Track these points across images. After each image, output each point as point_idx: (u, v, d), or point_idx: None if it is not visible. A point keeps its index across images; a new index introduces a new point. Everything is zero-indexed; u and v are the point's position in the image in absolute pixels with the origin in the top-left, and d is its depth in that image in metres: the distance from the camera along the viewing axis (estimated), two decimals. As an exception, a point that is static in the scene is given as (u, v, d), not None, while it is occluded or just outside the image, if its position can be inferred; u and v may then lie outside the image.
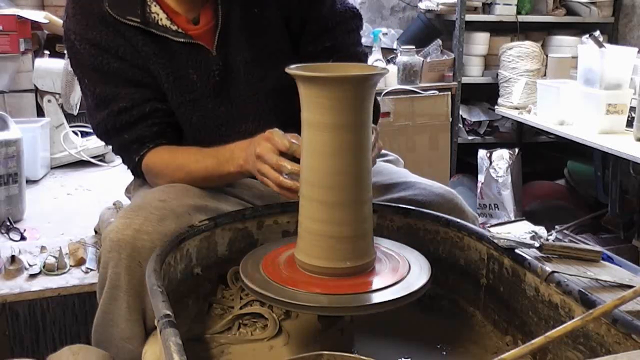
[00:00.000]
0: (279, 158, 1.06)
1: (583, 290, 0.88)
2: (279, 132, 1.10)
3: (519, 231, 2.66)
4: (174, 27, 1.29)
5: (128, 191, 1.55)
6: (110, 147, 1.41)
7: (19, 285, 1.66)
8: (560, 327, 0.69)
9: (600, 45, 3.04)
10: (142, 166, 1.34)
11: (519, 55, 3.75)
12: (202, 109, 1.34)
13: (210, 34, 1.32)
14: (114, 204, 1.77)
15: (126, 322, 1.11)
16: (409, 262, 1.02)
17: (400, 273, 0.99)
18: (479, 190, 3.61)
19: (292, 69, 0.96)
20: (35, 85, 2.77)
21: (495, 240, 1.04)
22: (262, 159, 1.09)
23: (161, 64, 1.30)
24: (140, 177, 1.39)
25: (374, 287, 0.95)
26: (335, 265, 0.97)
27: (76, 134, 2.87)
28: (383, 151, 1.53)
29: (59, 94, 2.71)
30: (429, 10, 3.96)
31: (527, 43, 3.79)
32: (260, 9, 1.33)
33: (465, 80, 3.93)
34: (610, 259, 2.85)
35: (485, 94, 4.08)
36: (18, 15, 2.79)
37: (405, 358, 1.00)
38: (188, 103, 1.33)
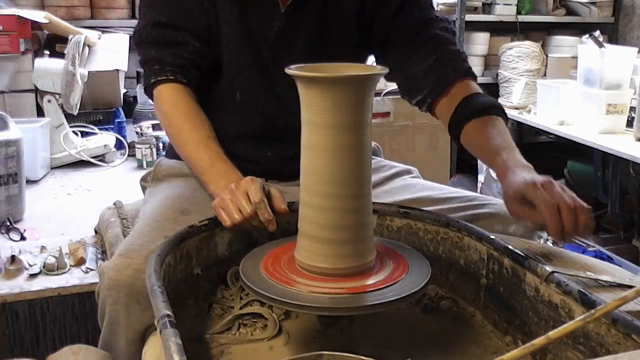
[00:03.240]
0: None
1: (583, 290, 0.88)
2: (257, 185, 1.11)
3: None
4: None
5: (144, 180, 1.55)
6: (138, 56, 1.43)
7: (19, 285, 1.66)
8: (561, 327, 0.69)
9: (600, 45, 3.04)
10: (154, 92, 1.35)
11: (519, 55, 3.76)
12: (249, 55, 1.35)
13: None
14: (114, 204, 1.77)
15: (124, 355, 1.12)
16: (408, 263, 1.02)
17: (400, 273, 0.99)
18: (479, 190, 3.61)
19: (292, 70, 0.96)
20: (35, 85, 2.77)
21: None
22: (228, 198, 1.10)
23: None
24: (151, 98, 1.40)
25: (374, 287, 0.95)
26: (335, 265, 0.97)
27: (76, 134, 2.87)
28: (404, 166, 1.52)
29: (59, 94, 2.71)
30: (429, 10, 3.96)
31: (527, 43, 3.79)
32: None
33: (465, 80, 3.93)
34: (610, 259, 2.85)
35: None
36: (18, 15, 2.79)
37: (405, 358, 1.00)
38: (240, 41, 1.35)
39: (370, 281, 0.97)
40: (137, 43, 1.39)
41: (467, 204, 1.30)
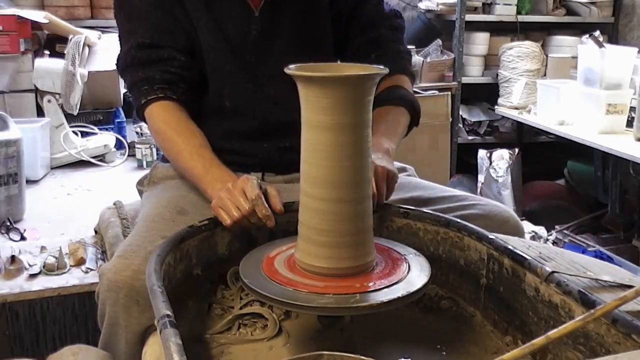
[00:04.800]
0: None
1: (583, 290, 0.88)
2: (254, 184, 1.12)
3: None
4: None
5: (141, 184, 1.55)
6: (125, 83, 1.44)
7: (19, 285, 1.66)
8: (561, 327, 0.69)
9: (600, 45, 3.04)
10: (145, 113, 1.36)
11: (519, 55, 3.76)
12: (233, 63, 1.38)
13: None
14: (114, 204, 1.77)
15: (125, 355, 1.13)
16: (408, 262, 1.02)
17: (400, 273, 0.99)
18: (479, 191, 3.61)
19: (292, 70, 0.96)
20: (35, 85, 2.77)
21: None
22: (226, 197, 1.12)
23: (203, 8, 1.35)
24: (143, 121, 1.42)
25: (374, 287, 0.95)
26: (335, 265, 0.97)
27: (76, 134, 2.87)
28: (400, 164, 1.53)
29: (59, 94, 2.71)
30: (429, 10, 3.97)
31: (527, 43, 3.79)
32: None
33: (465, 80, 3.94)
34: (610, 259, 2.85)
35: (485, 94, 4.09)
36: (18, 15, 2.79)
37: (405, 358, 1.00)
38: (222, 51, 1.37)
39: (370, 281, 0.97)
40: (123, 68, 1.40)
41: (457, 205, 1.32)
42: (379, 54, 1.42)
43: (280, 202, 1.12)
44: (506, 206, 1.42)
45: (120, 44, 1.42)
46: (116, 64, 1.42)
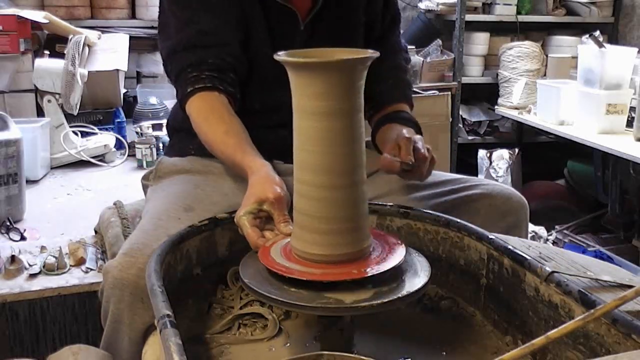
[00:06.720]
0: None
1: (583, 290, 0.88)
2: (249, 228, 1.08)
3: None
4: None
5: (146, 179, 1.54)
6: (170, 74, 1.41)
7: (19, 285, 1.66)
8: (561, 327, 0.69)
9: (600, 45, 3.04)
10: (187, 106, 1.33)
11: (519, 55, 3.76)
12: (272, 71, 1.35)
13: (307, 9, 1.41)
14: (114, 204, 1.77)
15: (127, 354, 1.12)
16: (406, 252, 1.01)
17: (397, 257, 0.98)
18: (479, 190, 3.60)
19: (281, 56, 0.94)
20: (35, 85, 2.77)
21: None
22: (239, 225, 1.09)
23: (261, 17, 1.39)
24: (184, 113, 1.38)
25: (371, 272, 0.94)
26: (331, 252, 0.96)
27: (76, 134, 2.87)
28: None
29: (59, 94, 2.71)
30: (429, 10, 3.97)
31: (527, 43, 3.80)
32: (350, 10, 1.46)
33: (465, 80, 3.94)
34: (610, 259, 2.85)
35: (485, 94, 4.09)
36: (18, 15, 2.79)
37: (405, 358, 1.00)
38: (269, 56, 1.37)
39: (367, 267, 0.95)
40: (172, 53, 1.37)
41: (460, 186, 1.35)
42: (395, 81, 1.52)
43: (287, 225, 1.08)
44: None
45: (175, 32, 1.39)
46: (165, 51, 1.40)
